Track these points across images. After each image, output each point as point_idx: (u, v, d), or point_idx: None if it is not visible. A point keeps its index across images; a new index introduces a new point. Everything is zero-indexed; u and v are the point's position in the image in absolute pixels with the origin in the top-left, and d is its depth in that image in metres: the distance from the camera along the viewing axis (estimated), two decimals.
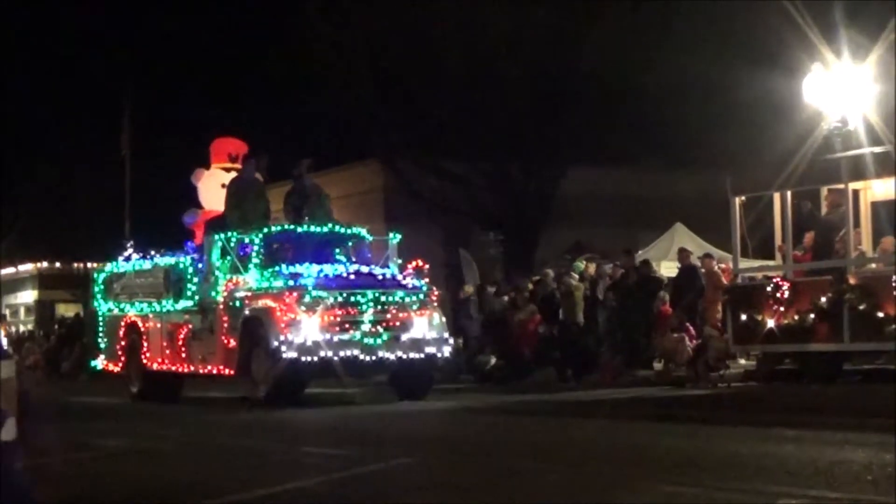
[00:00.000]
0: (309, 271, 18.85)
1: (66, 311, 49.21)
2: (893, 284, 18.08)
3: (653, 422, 14.13)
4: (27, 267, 52.94)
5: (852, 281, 18.88)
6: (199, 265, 20.43)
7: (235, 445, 13.01)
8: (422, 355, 18.60)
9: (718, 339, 20.89)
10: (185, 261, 20.93)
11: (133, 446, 13.25)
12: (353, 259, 20.10)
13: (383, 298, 18.55)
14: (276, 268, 19.12)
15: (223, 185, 22.34)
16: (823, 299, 18.91)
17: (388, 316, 18.47)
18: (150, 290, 21.94)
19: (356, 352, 18.09)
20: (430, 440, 12.91)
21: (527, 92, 30.96)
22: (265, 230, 20.00)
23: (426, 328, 18.76)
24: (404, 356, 18.44)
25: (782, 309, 19.46)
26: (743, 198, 20.82)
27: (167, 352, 21.05)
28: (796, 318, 19.24)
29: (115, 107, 44.34)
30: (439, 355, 18.94)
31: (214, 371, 19.83)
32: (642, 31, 29.84)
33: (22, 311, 53.21)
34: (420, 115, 31.59)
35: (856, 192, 20.02)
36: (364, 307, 18.34)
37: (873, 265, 19.83)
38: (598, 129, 32.08)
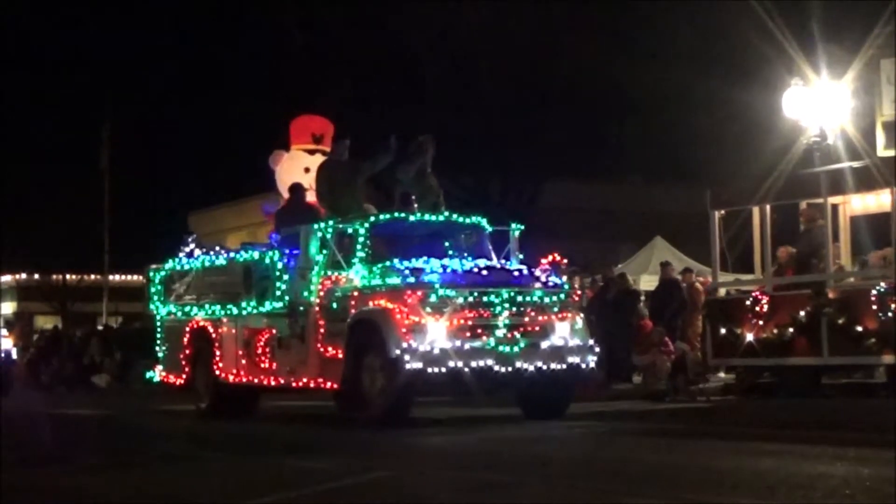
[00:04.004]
0: (431, 266, 16.13)
1: (46, 322, 49.11)
2: (872, 299, 18.16)
3: (632, 435, 14.14)
4: (6, 278, 52.82)
5: (831, 295, 18.95)
6: (289, 260, 17.52)
7: (216, 458, 12.98)
8: (564, 366, 15.87)
9: (691, 353, 20.97)
10: (272, 255, 17.75)
11: (112, 460, 13.13)
12: (466, 254, 17.27)
13: (519, 298, 15.82)
14: (388, 262, 16.36)
15: (306, 170, 19.94)
16: (802, 313, 18.98)
17: (526, 319, 15.79)
18: (223, 291, 18.86)
19: (490, 361, 15.40)
20: (405, 452, 12.88)
21: (506, 106, 31.04)
22: (371, 219, 17.18)
23: (568, 334, 16.04)
24: (544, 367, 15.74)
25: (761, 323, 19.53)
26: (722, 212, 20.90)
27: (243, 362, 18.29)
28: (775, 332, 19.31)
29: (95, 118, 44.31)
30: (583, 366, 16.14)
31: (311, 384, 16.99)
32: (623, 46, 29.96)
33: (1, 322, 53.09)
34: (398, 129, 31.61)
35: (834, 207, 20.11)
36: (498, 309, 15.65)
37: (852, 279, 19.93)
38: (578, 143, 32.20)
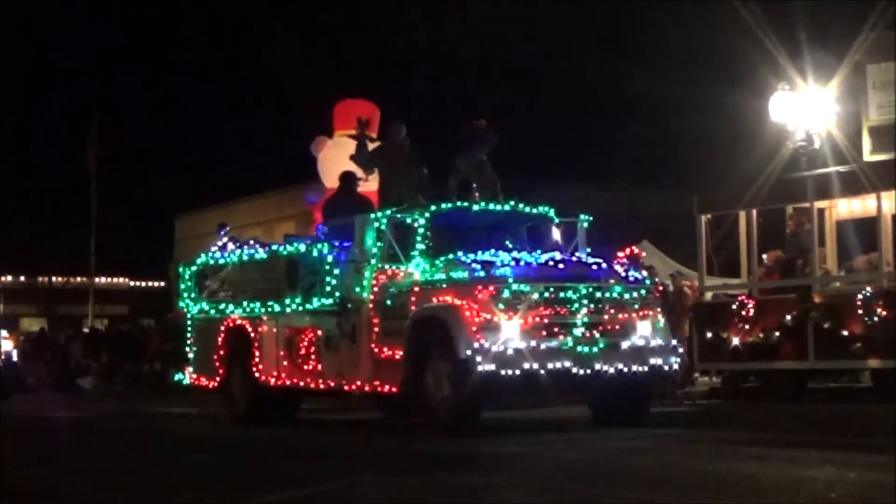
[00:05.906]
0: (502, 259, 14.79)
1: (31, 325, 49.00)
2: (858, 303, 18.20)
3: (616, 438, 14.14)
4: None
5: (817, 300, 18.99)
6: (339, 254, 16.08)
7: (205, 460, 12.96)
8: (645, 368, 14.63)
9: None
10: (322, 248, 16.25)
11: (99, 462, 13.10)
12: (531, 247, 16.03)
13: (598, 295, 14.54)
14: (452, 255, 15.19)
15: (352, 157, 18.53)
16: (788, 318, 19.02)
17: (605, 317, 14.51)
18: (264, 287, 17.34)
19: (568, 363, 14.12)
20: (393, 455, 12.88)
21: (495, 109, 31.12)
22: (432, 208, 15.96)
23: (650, 333, 14.78)
24: (625, 369, 14.50)
25: (747, 327, 19.55)
26: (709, 216, 20.92)
27: (285, 363, 16.94)
28: (761, 336, 19.34)
29: (82, 121, 44.29)
30: (666, 368, 14.95)
31: (365, 387, 15.70)
32: (610, 50, 30.07)
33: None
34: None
35: (821, 211, 20.17)
36: (576, 306, 14.37)
37: (838, 284, 19.98)
38: (565, 146, 32.30)
